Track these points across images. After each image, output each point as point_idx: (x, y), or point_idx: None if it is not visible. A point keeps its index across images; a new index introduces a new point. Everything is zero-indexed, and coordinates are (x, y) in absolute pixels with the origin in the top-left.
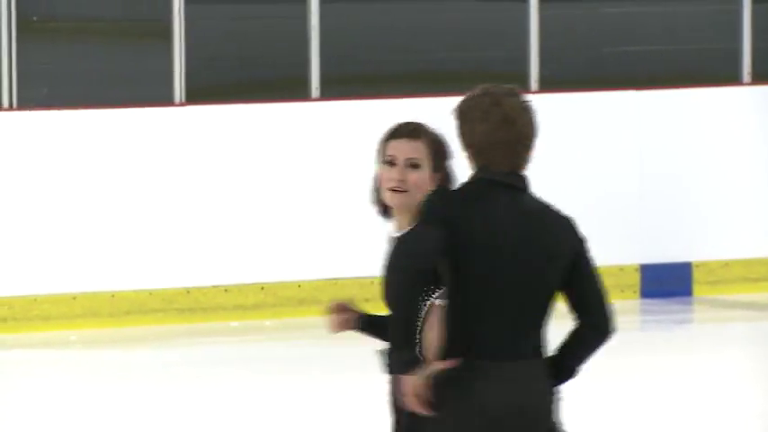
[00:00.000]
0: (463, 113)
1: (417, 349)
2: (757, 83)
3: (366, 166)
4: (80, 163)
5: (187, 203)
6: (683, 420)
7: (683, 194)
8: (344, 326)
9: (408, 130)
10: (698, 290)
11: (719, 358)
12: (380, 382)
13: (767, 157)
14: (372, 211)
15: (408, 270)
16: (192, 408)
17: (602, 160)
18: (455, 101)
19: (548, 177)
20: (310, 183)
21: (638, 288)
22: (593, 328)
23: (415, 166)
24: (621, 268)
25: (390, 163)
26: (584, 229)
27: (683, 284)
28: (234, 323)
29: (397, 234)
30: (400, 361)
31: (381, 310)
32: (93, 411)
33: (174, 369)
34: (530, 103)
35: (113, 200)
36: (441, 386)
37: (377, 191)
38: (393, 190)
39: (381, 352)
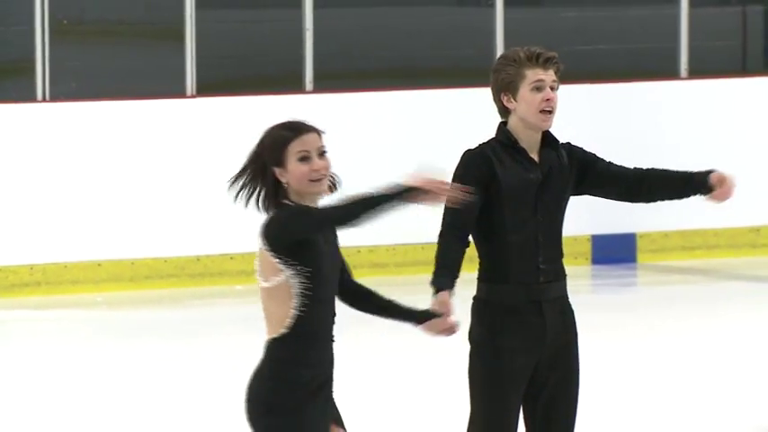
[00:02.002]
0: None
1: None
2: (693, 77)
3: (353, 149)
4: (104, 148)
5: (198, 182)
6: (630, 370)
7: None
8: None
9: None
10: (641, 257)
11: (661, 316)
12: (363, 338)
13: (700, 142)
14: (343, 186)
15: None
16: (202, 360)
17: None
18: (431, 93)
19: None
20: None
21: (589, 256)
22: None
23: None
24: (575, 238)
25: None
26: None
27: (628, 252)
28: (238, 287)
29: None
30: None
31: (369, 274)
32: (116, 363)
33: (187, 326)
34: None
35: (133, 179)
36: None
37: None
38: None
39: None
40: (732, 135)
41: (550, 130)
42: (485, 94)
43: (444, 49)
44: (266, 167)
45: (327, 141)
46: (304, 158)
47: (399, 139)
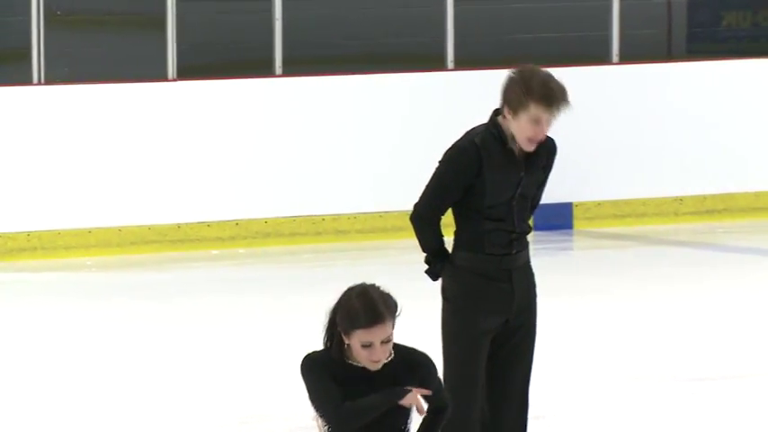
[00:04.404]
0: None
1: None
2: (623, 63)
3: (318, 128)
4: (94, 126)
5: (177, 157)
6: (567, 325)
7: (566, 149)
8: None
9: None
10: (577, 224)
11: (594, 276)
12: (327, 300)
13: (627, 119)
14: (302, 161)
15: None
16: (181, 318)
17: None
18: (389, 77)
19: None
20: (275, 137)
21: (531, 223)
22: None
23: None
24: None
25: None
26: None
27: (565, 220)
28: (214, 251)
29: None
30: None
31: (333, 240)
32: (104, 321)
33: (168, 287)
34: None
35: (120, 154)
36: None
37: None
38: None
39: None
40: (659, 114)
41: None
42: (437, 77)
43: (401, 36)
44: (335, 325)
45: (296, 118)
46: (366, 346)
47: (361, 119)
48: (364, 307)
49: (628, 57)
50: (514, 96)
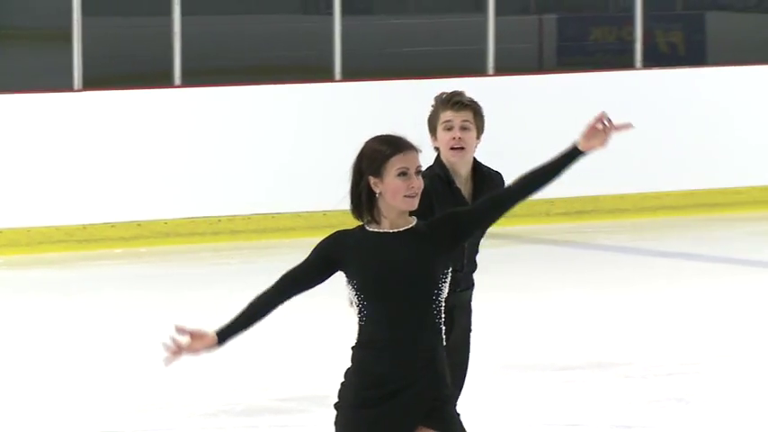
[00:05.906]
0: None
1: None
2: (498, 74)
3: (215, 136)
4: (3, 134)
5: (82, 163)
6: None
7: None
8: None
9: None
10: None
11: (501, 272)
12: (224, 295)
13: (501, 128)
14: (200, 166)
15: None
16: (85, 312)
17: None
18: (282, 88)
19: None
20: (175, 144)
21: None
22: None
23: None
24: None
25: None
26: None
27: None
28: (118, 250)
29: None
30: None
31: (228, 240)
32: (13, 316)
33: (75, 284)
34: None
35: (28, 160)
36: None
37: None
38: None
39: None
40: (531, 123)
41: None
42: (325, 88)
43: (291, 50)
44: (362, 176)
45: (193, 125)
46: (403, 174)
47: (255, 126)
48: (390, 138)
49: (502, 69)
50: (430, 119)
